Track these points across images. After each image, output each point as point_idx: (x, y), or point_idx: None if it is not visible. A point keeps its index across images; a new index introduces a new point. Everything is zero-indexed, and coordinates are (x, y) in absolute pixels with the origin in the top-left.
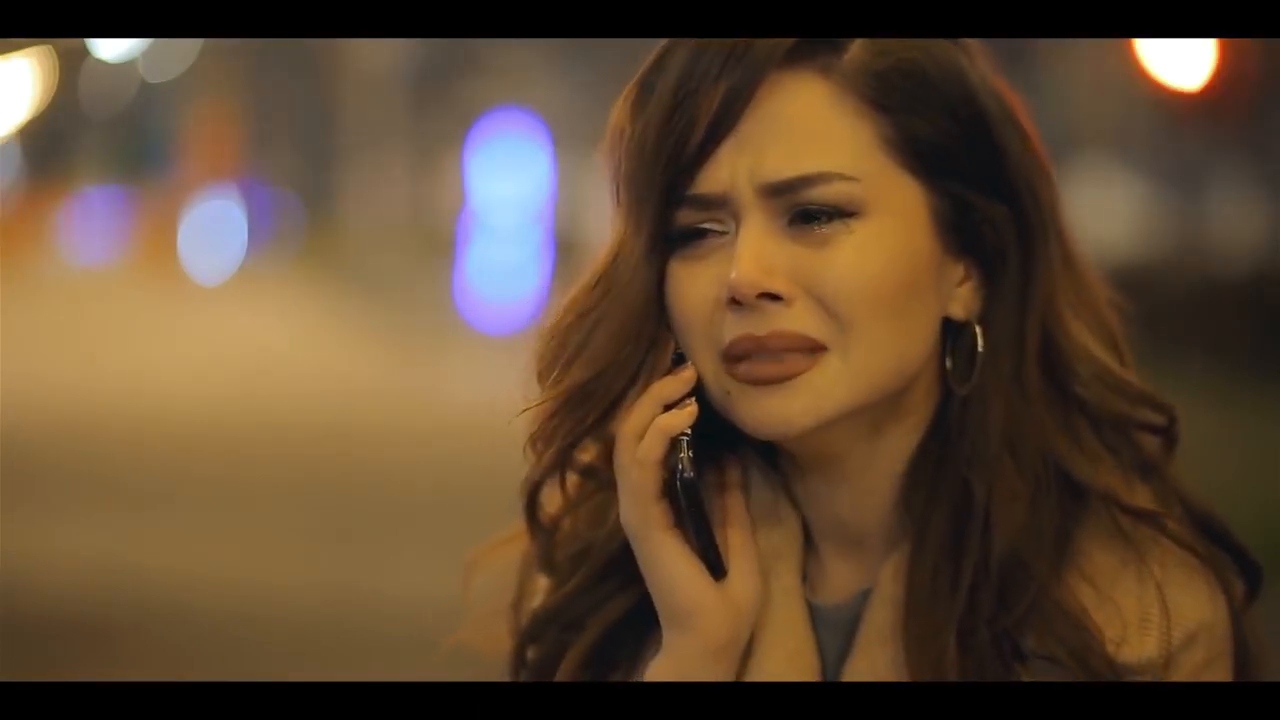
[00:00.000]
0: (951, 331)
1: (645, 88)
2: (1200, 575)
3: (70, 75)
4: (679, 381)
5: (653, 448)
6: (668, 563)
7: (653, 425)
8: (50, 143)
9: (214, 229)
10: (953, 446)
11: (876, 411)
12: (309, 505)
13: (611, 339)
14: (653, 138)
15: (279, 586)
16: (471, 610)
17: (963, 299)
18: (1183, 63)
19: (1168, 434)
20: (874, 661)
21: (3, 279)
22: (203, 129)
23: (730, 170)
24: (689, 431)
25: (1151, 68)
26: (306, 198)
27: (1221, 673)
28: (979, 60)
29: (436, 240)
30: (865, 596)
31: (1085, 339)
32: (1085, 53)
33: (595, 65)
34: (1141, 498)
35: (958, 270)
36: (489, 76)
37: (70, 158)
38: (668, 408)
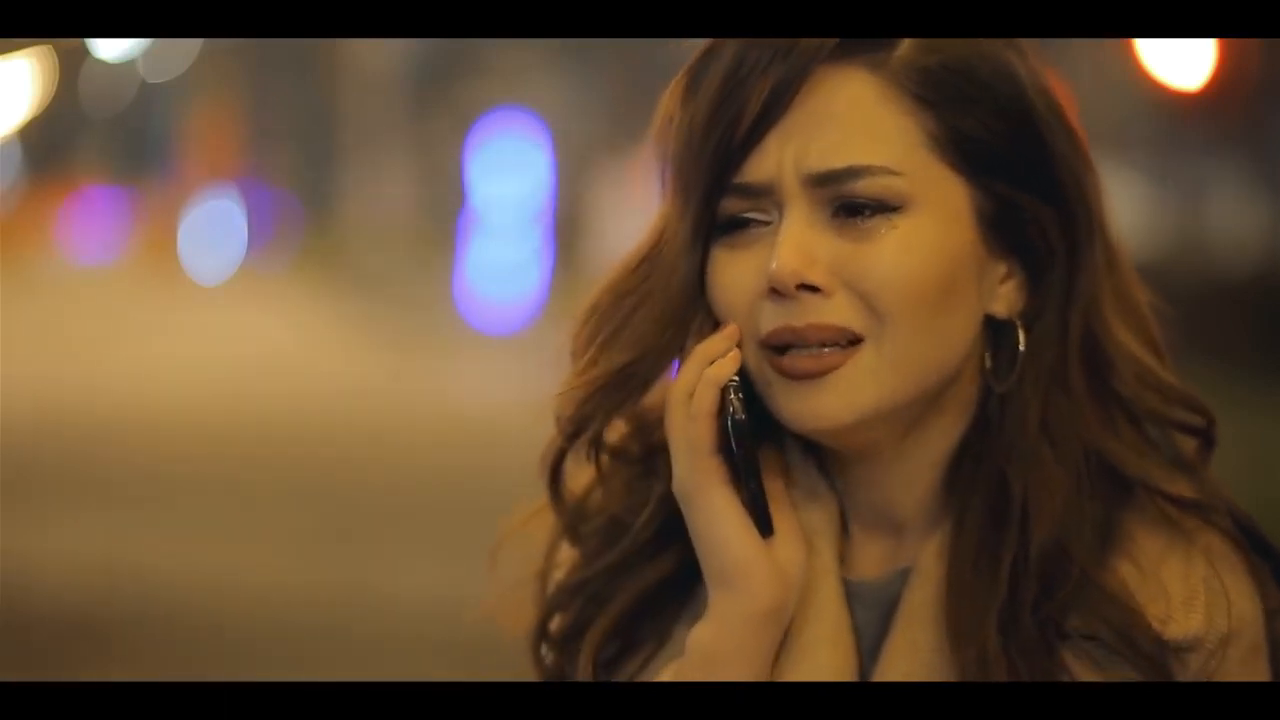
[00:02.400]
0: (992, 329)
1: (695, 77)
2: (1243, 567)
3: (70, 75)
4: (722, 339)
5: (705, 399)
6: (721, 520)
7: (702, 378)
8: (50, 143)
9: (214, 229)
10: (991, 439)
11: (916, 410)
12: (308, 505)
13: (653, 323)
14: (701, 126)
15: (278, 586)
16: (497, 584)
17: (1005, 297)
18: (1183, 63)
19: (1205, 436)
20: (914, 641)
21: (3, 279)
22: (203, 129)
23: (776, 160)
24: (736, 378)
25: (1151, 68)
26: (306, 198)
27: (1260, 666)
28: (1029, 58)
29: (436, 240)
30: (903, 575)
31: (1127, 339)
32: (1085, 53)
33: (595, 65)
34: (1183, 491)
35: (1000, 269)
36: (489, 76)
37: (70, 158)
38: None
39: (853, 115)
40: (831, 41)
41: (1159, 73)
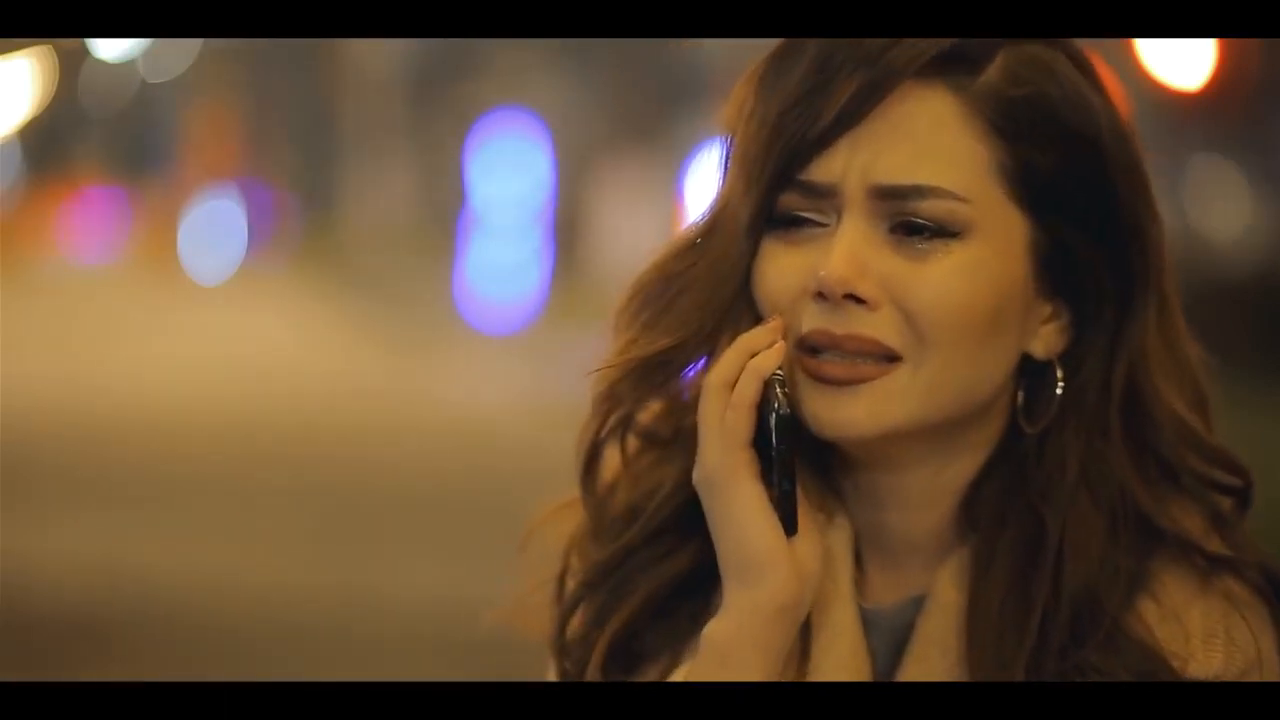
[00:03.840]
0: (1028, 369)
1: (776, 68)
2: (1267, 612)
3: (70, 75)
4: (767, 331)
5: (748, 390)
6: (747, 512)
7: (747, 368)
8: (50, 142)
9: (214, 229)
10: (1028, 479)
11: (942, 433)
12: (308, 505)
13: (697, 309)
14: (775, 118)
15: (278, 586)
16: (518, 586)
17: (1045, 338)
18: (1183, 63)
19: (1242, 496)
20: (929, 668)
21: (3, 279)
22: (203, 129)
23: (844, 164)
24: (781, 372)
25: (1151, 68)
26: (306, 198)
27: None
28: (1111, 104)
29: (436, 240)
30: (916, 603)
31: (1170, 396)
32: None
33: (595, 65)
34: (1217, 549)
35: (1045, 309)
36: (489, 76)
37: (70, 157)
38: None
39: (928, 134)
40: (921, 56)
41: (1159, 73)
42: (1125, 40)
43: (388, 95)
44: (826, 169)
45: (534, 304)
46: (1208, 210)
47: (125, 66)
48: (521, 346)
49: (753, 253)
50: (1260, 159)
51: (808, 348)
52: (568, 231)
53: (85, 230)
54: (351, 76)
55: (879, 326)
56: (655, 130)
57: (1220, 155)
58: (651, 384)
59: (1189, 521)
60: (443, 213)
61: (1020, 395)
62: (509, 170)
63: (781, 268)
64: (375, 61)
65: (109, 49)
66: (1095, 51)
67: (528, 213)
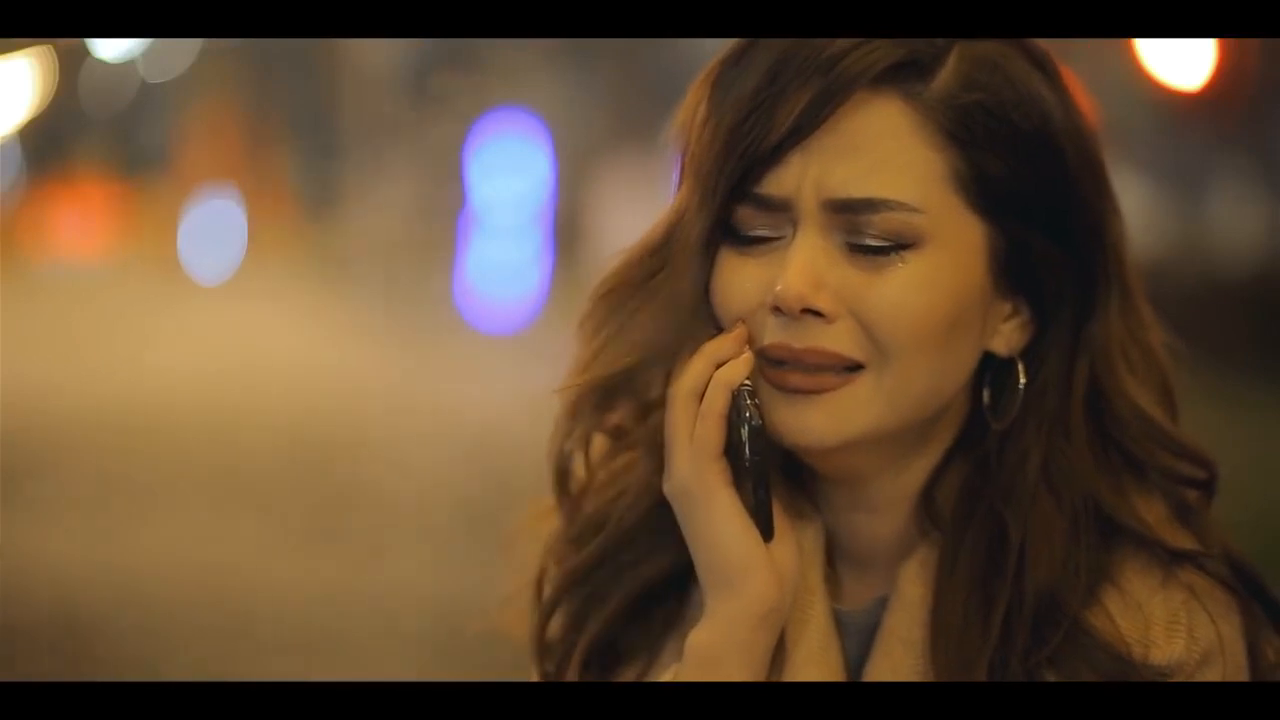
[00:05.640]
0: (991, 365)
1: (728, 75)
2: (1229, 600)
3: (70, 75)
4: (731, 340)
5: (717, 400)
6: (724, 521)
7: (714, 379)
8: (50, 142)
9: (214, 229)
10: (990, 480)
11: (902, 439)
12: (308, 505)
13: (656, 326)
14: (727, 130)
15: (277, 586)
16: (503, 589)
17: (1006, 335)
18: (1183, 63)
19: (1207, 487)
20: (895, 664)
21: (3, 279)
22: (203, 129)
23: (797, 177)
24: (749, 381)
25: (1151, 68)
26: (307, 198)
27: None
28: (1067, 98)
29: (437, 240)
30: (883, 603)
31: (1134, 390)
32: (1085, 53)
33: (595, 65)
34: (1181, 541)
35: (1005, 307)
36: (489, 76)
37: (70, 158)
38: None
39: (881, 145)
40: (874, 65)
41: (1159, 73)
42: (1125, 40)
43: (388, 95)
44: (780, 183)
45: (534, 304)
46: (1207, 210)
47: (125, 66)
48: (521, 346)
49: (709, 266)
50: (1260, 159)
51: (767, 360)
52: (568, 231)
53: (85, 230)
54: (351, 76)
55: (838, 339)
56: (655, 130)
57: (1220, 155)
58: (613, 402)
59: (1152, 514)
60: (443, 213)
61: (986, 393)
62: (509, 170)
63: (739, 281)
64: (375, 61)
65: (109, 49)
66: (1097, 52)
67: (528, 213)
